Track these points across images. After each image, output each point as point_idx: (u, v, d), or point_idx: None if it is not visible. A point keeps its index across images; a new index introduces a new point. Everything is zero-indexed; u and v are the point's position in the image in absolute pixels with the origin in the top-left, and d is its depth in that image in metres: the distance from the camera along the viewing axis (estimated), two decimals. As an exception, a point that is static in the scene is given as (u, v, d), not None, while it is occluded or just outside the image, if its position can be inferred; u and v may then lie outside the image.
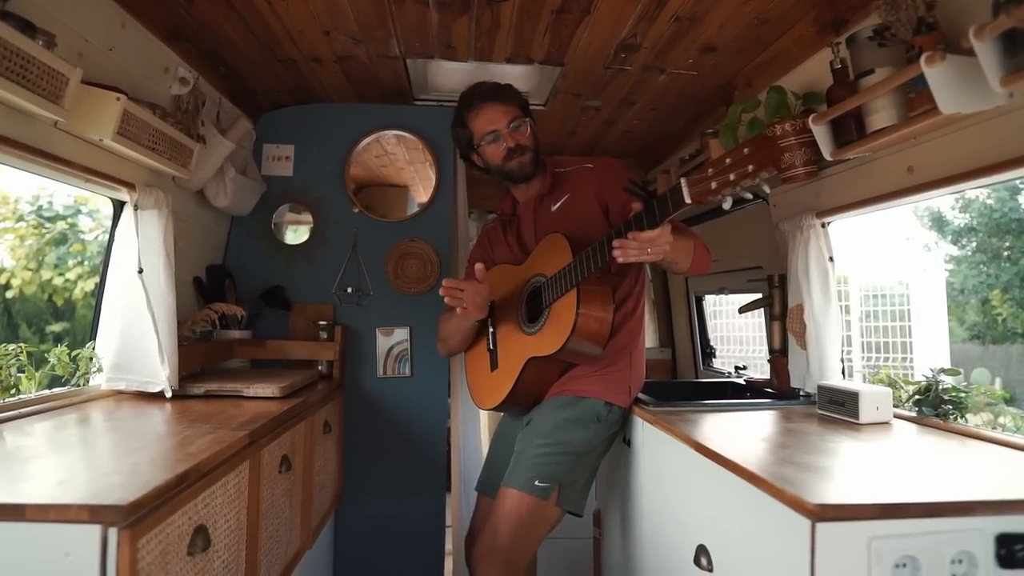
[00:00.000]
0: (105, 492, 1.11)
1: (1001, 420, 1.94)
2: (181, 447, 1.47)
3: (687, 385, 3.23)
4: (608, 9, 2.05)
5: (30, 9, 1.55)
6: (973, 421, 1.88)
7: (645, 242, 1.66)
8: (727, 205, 1.52)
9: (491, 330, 2.22)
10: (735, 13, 2.05)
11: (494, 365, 2.20)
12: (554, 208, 2.12)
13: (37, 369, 1.97)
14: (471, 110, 2.11)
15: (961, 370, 1.95)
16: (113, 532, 1.06)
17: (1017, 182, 1.91)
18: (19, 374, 1.92)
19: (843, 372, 2.23)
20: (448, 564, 3.04)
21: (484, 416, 3.51)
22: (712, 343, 3.83)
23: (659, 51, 2.36)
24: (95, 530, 1.05)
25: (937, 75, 1.47)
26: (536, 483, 1.95)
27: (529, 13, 2.09)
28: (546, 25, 2.18)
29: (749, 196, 1.50)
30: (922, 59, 1.47)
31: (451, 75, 2.74)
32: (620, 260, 1.69)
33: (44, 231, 3.04)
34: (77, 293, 3.03)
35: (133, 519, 1.08)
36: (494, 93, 2.10)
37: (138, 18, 2.01)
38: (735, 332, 4.72)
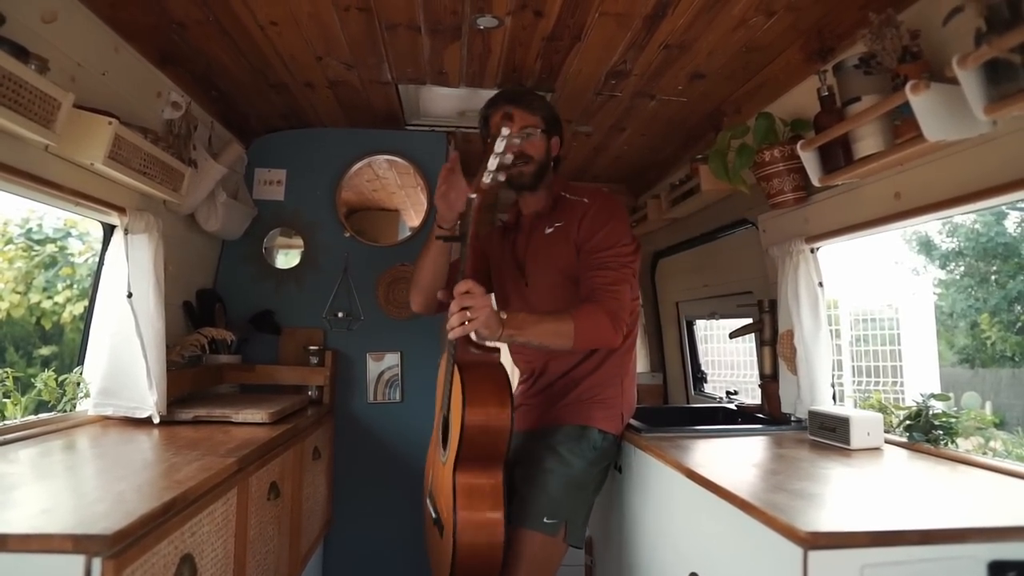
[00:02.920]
0: (89, 521, 1.09)
1: (992, 444, 1.95)
2: (168, 474, 1.46)
3: (678, 411, 3.23)
4: (598, 36, 2.07)
5: (23, 34, 1.56)
6: (964, 446, 1.88)
7: (459, 298, 1.66)
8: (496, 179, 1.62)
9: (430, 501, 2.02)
10: (723, 41, 2.08)
11: (441, 532, 1.90)
12: (548, 231, 2.11)
13: (23, 394, 1.95)
14: (492, 108, 2.11)
15: (951, 395, 1.96)
16: (97, 562, 1.04)
17: (1003, 207, 1.93)
18: (4, 399, 1.90)
19: (834, 397, 2.23)
20: (438, 592, 3.00)
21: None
22: (703, 368, 3.83)
23: (649, 78, 2.39)
24: (79, 560, 1.03)
25: (922, 103, 1.49)
26: (545, 520, 1.93)
27: (520, 40, 2.12)
28: (537, 52, 2.20)
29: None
30: (907, 87, 1.50)
31: (443, 100, 2.76)
32: (450, 335, 1.68)
33: (33, 254, 3.02)
34: (66, 316, 3.01)
35: (117, 549, 1.06)
36: (517, 97, 2.10)
37: (131, 43, 2.03)
38: (726, 357, 4.73)
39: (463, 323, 1.66)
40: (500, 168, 1.66)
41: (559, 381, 2.13)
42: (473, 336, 1.72)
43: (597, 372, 2.09)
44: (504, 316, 1.73)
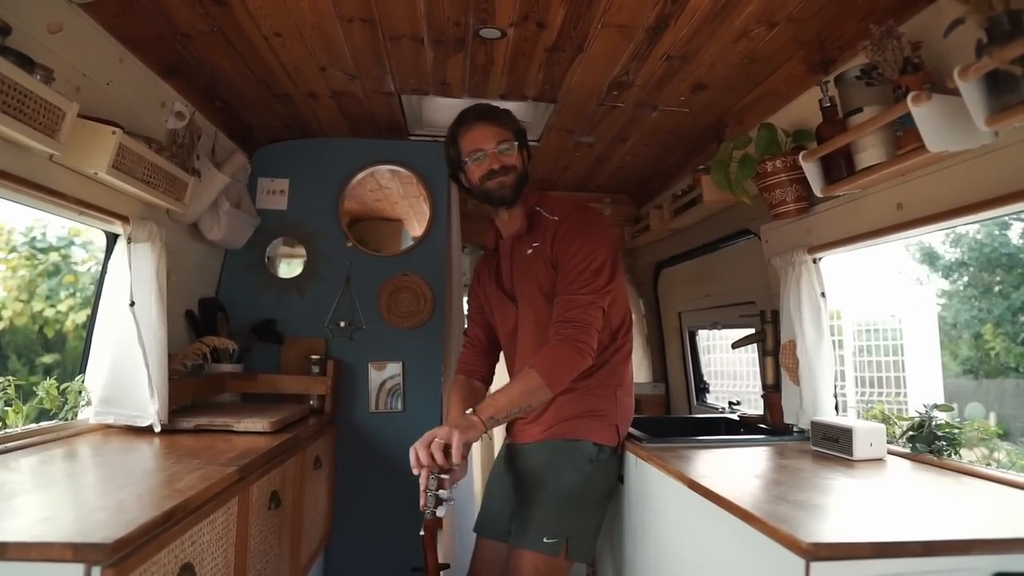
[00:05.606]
0: (90, 530, 1.09)
1: (996, 456, 1.94)
2: (169, 483, 1.45)
3: (680, 421, 3.21)
4: (601, 48, 2.08)
5: (29, 44, 1.57)
6: (968, 457, 1.87)
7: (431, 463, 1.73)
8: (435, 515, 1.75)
9: None
10: (725, 52, 2.09)
11: None
12: (528, 252, 2.07)
13: (25, 402, 1.95)
14: (462, 126, 2.05)
15: (955, 406, 1.95)
16: (97, 571, 1.04)
17: (1006, 218, 1.93)
18: (6, 408, 1.90)
19: (836, 407, 2.22)
20: (439, 602, 2.99)
21: (476, 451, 3.48)
22: (705, 378, 3.82)
23: (651, 89, 2.40)
24: (78, 569, 1.03)
25: (923, 114, 1.50)
26: (544, 540, 1.91)
27: (523, 51, 2.13)
28: (540, 63, 2.21)
29: None
30: (909, 98, 1.50)
31: (446, 111, 2.77)
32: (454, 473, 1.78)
33: (37, 262, 3.03)
34: (68, 325, 3.01)
35: (117, 557, 1.06)
36: (488, 113, 2.05)
37: (136, 53, 2.04)
38: (728, 367, 4.72)
39: (441, 458, 1.72)
40: (439, 503, 1.75)
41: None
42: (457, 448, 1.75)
43: (589, 385, 2.05)
44: (470, 412, 1.81)
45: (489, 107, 2.07)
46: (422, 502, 1.76)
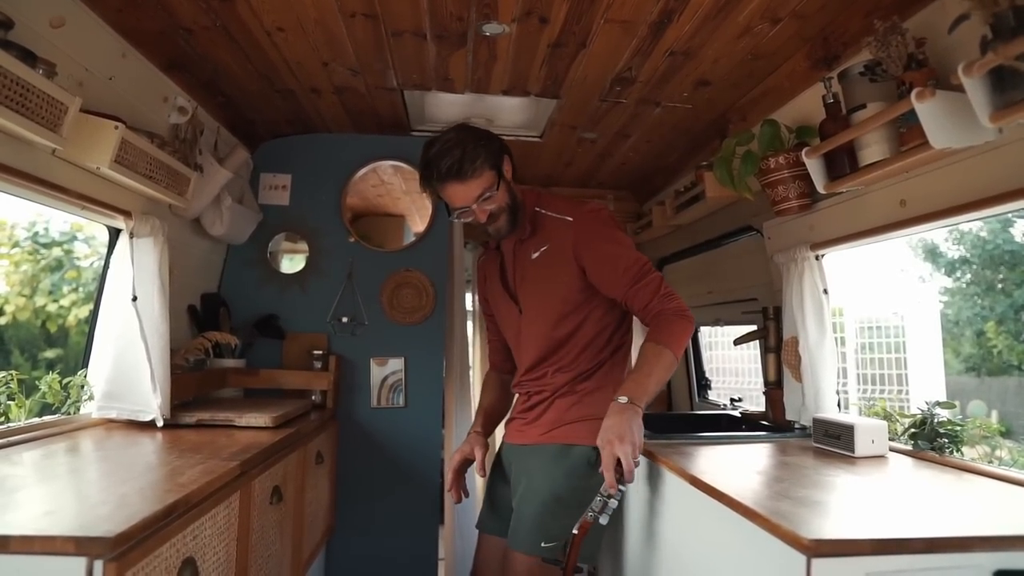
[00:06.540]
0: (92, 524, 1.10)
1: (998, 453, 1.93)
2: (171, 477, 1.46)
3: (682, 417, 3.22)
4: (604, 43, 2.08)
5: (32, 38, 1.57)
6: (969, 454, 1.87)
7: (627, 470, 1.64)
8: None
9: None
10: (728, 48, 2.08)
11: None
12: (534, 256, 2.02)
13: (28, 396, 1.95)
14: (432, 182, 1.91)
15: (957, 403, 1.95)
16: (99, 565, 1.04)
17: (1009, 215, 1.92)
18: (9, 402, 1.90)
19: (839, 405, 2.22)
20: (441, 598, 3.00)
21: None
22: (707, 375, 3.82)
23: (654, 85, 2.39)
24: (80, 562, 1.03)
25: (927, 111, 1.49)
26: (542, 544, 1.90)
27: (526, 46, 2.12)
28: (542, 59, 2.20)
29: None
30: (912, 95, 1.50)
31: (448, 107, 2.77)
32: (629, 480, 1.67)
33: (39, 257, 3.03)
34: (71, 320, 3.02)
35: (119, 551, 1.07)
36: (453, 171, 1.85)
37: (139, 48, 2.04)
38: (730, 364, 4.71)
39: (632, 459, 1.65)
40: (605, 508, 1.68)
41: (550, 398, 2.09)
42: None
43: (587, 388, 2.02)
44: (625, 400, 1.71)
45: (451, 164, 1.85)
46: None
